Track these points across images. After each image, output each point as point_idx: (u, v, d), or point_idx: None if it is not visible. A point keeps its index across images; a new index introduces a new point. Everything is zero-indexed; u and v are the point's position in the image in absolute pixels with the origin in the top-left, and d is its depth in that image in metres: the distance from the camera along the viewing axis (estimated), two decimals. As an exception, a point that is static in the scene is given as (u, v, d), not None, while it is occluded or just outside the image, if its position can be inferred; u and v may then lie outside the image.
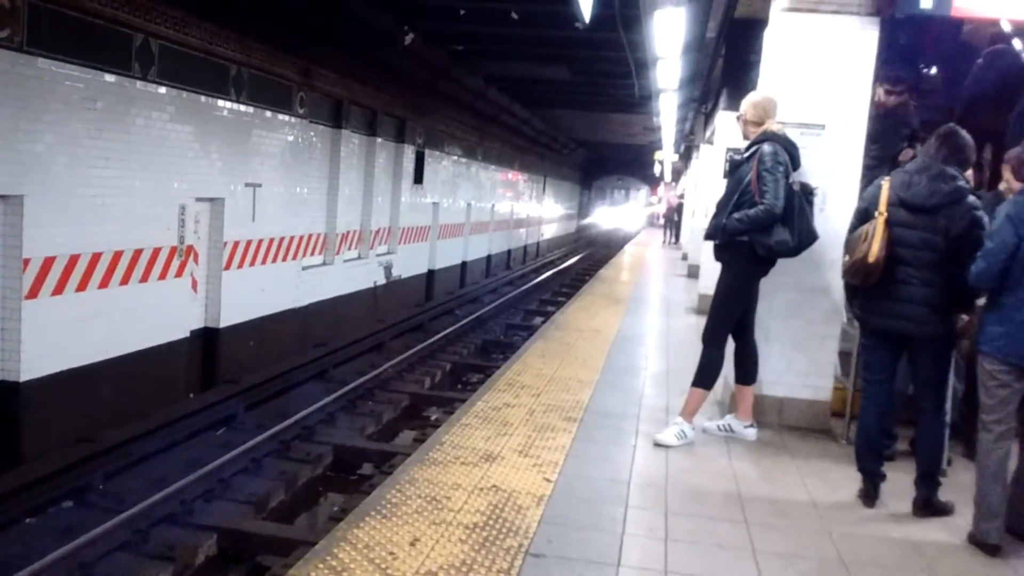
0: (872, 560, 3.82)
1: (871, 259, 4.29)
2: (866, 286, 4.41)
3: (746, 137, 5.36)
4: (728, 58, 10.69)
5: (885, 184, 4.40)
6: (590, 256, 34.53)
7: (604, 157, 47.68)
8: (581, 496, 4.34)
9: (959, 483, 4.63)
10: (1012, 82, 5.99)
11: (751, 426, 5.59)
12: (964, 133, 4.36)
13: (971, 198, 4.22)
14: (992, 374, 3.92)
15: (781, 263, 5.34)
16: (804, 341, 5.75)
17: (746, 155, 5.21)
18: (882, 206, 4.34)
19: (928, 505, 4.38)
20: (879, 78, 5.36)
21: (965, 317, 4.36)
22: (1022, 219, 3.82)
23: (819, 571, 3.69)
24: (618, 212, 54.28)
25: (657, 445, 5.27)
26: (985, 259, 3.91)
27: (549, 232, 37.87)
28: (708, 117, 14.91)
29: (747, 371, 5.57)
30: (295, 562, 3.58)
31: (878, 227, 4.30)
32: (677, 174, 35.40)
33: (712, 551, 3.81)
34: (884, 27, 6.03)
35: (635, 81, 15.07)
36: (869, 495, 4.54)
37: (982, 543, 3.94)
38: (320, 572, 3.28)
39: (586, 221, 50.97)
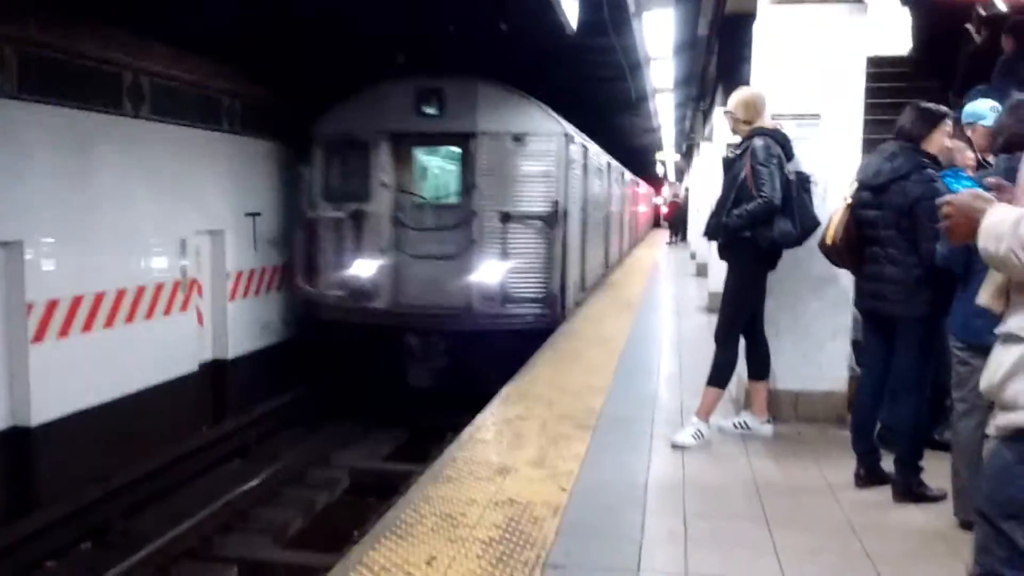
0: (896, 550, 3.74)
1: (828, 241, 4.42)
2: (852, 270, 4.43)
3: (735, 133, 5.33)
4: (722, 54, 10.62)
5: None
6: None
7: None
8: (598, 504, 4.27)
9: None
10: None
11: (767, 422, 5.51)
12: (923, 104, 4.29)
13: (927, 171, 4.10)
14: (954, 355, 3.87)
15: (785, 256, 5.29)
16: (814, 333, 5.68)
17: (738, 152, 5.18)
18: (848, 190, 4.41)
19: (908, 491, 4.28)
20: None
21: None
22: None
23: (843, 564, 3.62)
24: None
25: (675, 447, 5.21)
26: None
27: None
28: (706, 115, 14.85)
29: (760, 366, 5.50)
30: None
31: (839, 211, 4.41)
32: (681, 173, 35.31)
33: (733, 551, 3.74)
34: None
35: (630, 83, 15.04)
36: (859, 476, 4.50)
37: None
38: (336, 598, 3.23)
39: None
